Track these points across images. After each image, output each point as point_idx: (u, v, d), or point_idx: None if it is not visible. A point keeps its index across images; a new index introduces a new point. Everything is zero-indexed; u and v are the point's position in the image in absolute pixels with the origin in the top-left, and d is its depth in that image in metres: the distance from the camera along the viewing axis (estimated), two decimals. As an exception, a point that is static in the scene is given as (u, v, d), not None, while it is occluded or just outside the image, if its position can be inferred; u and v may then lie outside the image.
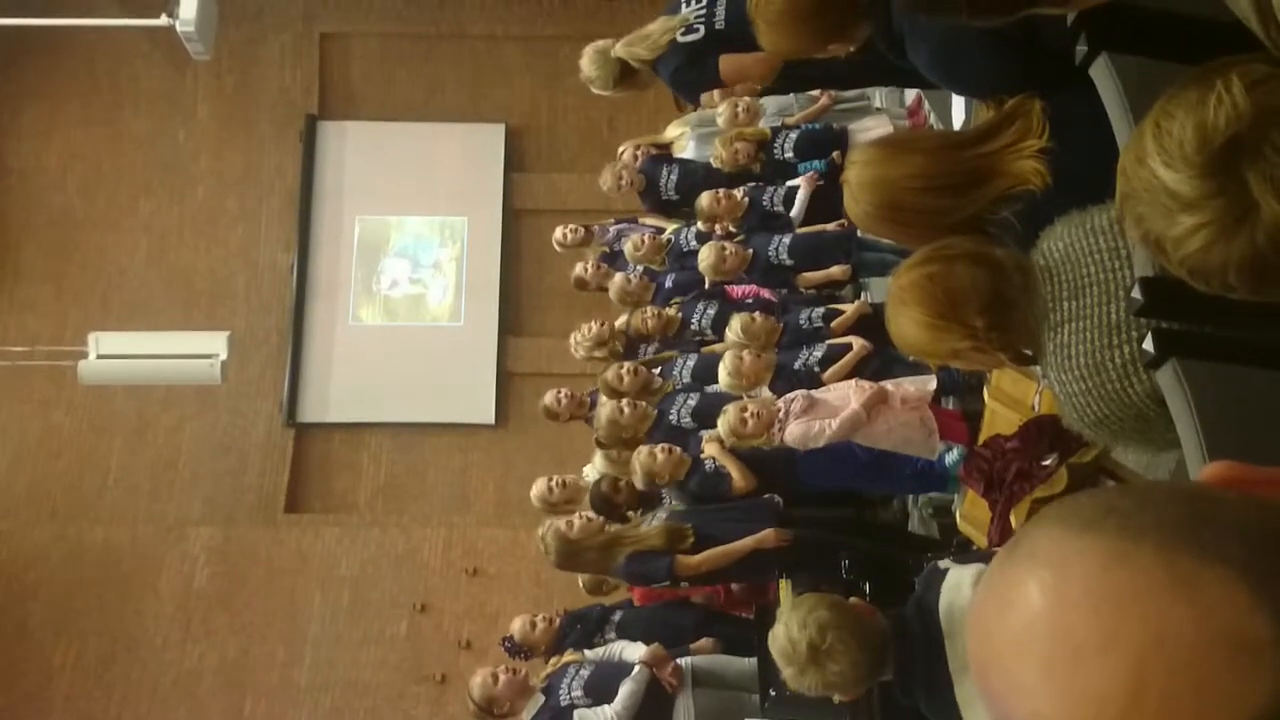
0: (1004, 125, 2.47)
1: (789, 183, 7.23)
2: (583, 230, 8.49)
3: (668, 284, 7.77)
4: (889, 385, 5.71)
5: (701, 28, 4.12)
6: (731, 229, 7.28)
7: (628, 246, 7.82)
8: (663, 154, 8.16)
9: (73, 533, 10.76)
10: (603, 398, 7.04)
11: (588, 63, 4.54)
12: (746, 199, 7.24)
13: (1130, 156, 1.31)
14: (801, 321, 6.74)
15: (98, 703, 10.41)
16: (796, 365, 6.30)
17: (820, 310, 6.81)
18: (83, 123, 11.66)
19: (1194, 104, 1.25)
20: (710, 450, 6.17)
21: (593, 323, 7.71)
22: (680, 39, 4.16)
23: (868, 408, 5.49)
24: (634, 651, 6.02)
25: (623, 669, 5.88)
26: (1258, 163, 1.22)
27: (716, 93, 7.12)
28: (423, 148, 11.68)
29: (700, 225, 7.50)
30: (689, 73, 4.30)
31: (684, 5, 4.23)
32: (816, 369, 6.23)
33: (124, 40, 11.21)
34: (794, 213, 7.11)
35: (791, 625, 3.13)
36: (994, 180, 2.45)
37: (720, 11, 4.10)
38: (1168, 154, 1.25)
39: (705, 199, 7.20)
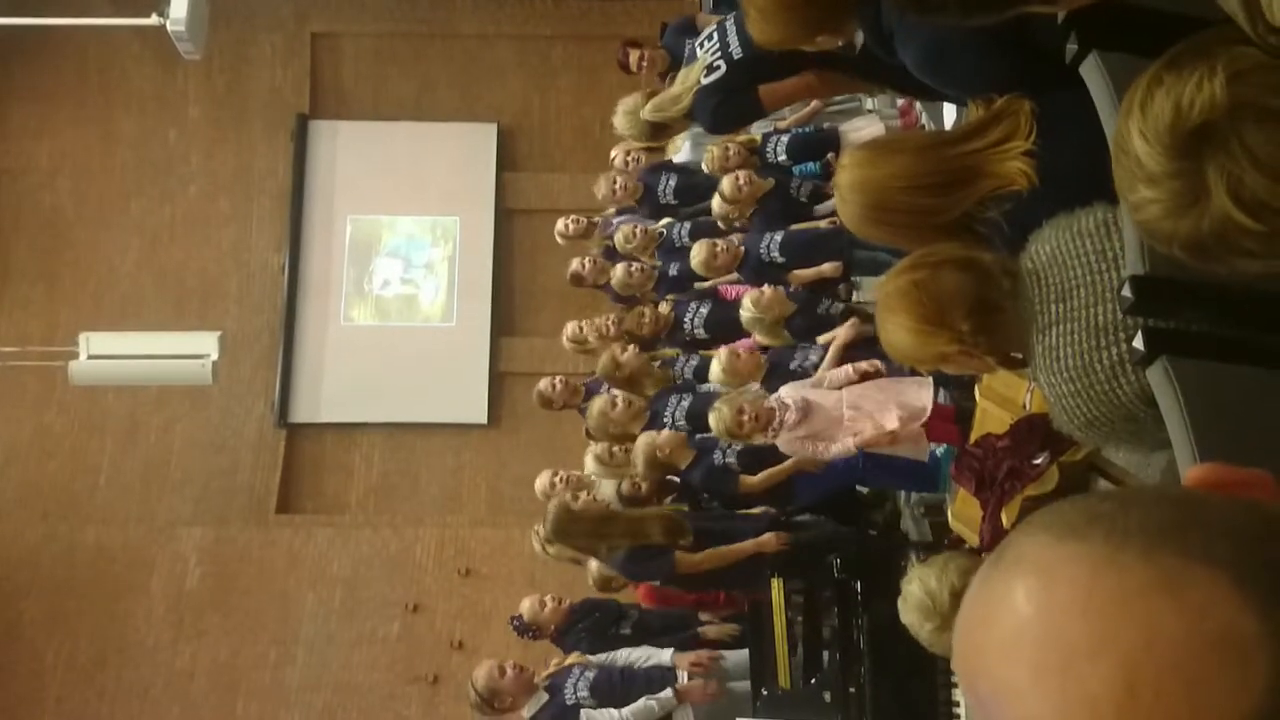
0: (991, 125, 2.47)
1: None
2: (585, 221, 8.42)
3: (672, 272, 7.68)
4: (887, 392, 5.65)
5: (722, 64, 4.08)
6: (736, 224, 7.23)
7: (618, 237, 7.77)
8: (661, 161, 8.13)
9: (64, 533, 10.74)
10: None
11: (620, 120, 4.84)
12: (772, 180, 7.09)
13: (1123, 109, 1.38)
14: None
15: (89, 703, 10.40)
16: (792, 365, 6.27)
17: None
18: (73, 122, 11.64)
19: (1179, 80, 1.30)
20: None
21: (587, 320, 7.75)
22: (705, 81, 4.12)
23: (861, 446, 5.50)
24: (663, 655, 6.07)
25: (632, 675, 5.91)
26: (1219, 156, 1.27)
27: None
28: (414, 147, 11.66)
29: (715, 208, 7.32)
30: (724, 114, 4.25)
31: (699, 49, 4.19)
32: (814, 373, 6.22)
33: (114, 40, 11.19)
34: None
35: (927, 579, 2.97)
36: (979, 180, 2.45)
37: (733, 40, 4.06)
38: (1144, 124, 1.31)
39: (728, 183, 7.01)
